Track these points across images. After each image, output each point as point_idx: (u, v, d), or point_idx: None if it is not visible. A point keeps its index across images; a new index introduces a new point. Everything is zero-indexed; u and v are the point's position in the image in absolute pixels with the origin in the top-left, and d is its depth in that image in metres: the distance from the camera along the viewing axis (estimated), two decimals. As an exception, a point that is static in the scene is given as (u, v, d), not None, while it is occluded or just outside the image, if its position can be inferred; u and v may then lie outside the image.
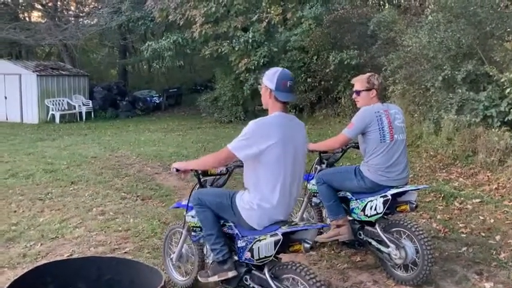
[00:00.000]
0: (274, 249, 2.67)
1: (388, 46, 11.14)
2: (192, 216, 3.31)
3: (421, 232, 3.47)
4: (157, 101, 20.94)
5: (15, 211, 5.83)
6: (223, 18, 14.56)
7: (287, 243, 2.72)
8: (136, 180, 7.36)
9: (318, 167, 4.19)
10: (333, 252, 4.27)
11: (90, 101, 18.25)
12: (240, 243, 2.88)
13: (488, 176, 6.36)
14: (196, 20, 14.16)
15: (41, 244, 4.69)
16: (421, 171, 7.10)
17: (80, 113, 17.55)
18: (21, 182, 7.31)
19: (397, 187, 3.56)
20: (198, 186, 3.34)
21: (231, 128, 13.96)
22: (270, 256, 2.71)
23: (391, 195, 3.50)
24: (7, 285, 2.41)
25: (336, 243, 4.21)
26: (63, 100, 17.55)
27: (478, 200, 5.59)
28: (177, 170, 3.12)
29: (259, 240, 2.74)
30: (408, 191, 3.57)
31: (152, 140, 11.91)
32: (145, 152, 9.98)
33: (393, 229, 3.63)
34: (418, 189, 3.75)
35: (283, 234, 2.66)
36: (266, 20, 14.01)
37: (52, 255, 4.40)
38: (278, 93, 2.79)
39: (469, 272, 3.80)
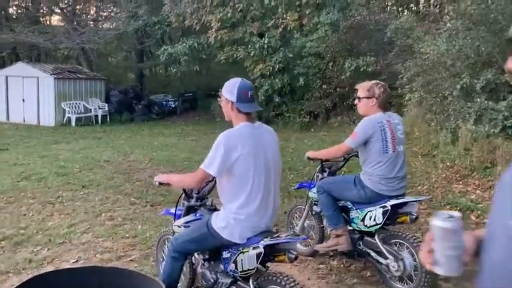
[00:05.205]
0: (257, 262, 2.67)
1: (405, 53, 10.98)
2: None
3: (419, 244, 3.38)
4: (173, 105, 20.99)
5: (24, 214, 5.83)
6: (239, 23, 14.57)
7: (271, 253, 2.72)
8: (146, 185, 7.31)
9: (320, 175, 4.13)
10: (342, 266, 4.14)
11: (106, 105, 18.33)
12: (225, 254, 2.88)
13: (507, 189, 6.13)
14: (212, 25, 14.18)
15: (48, 249, 4.65)
16: (437, 182, 6.91)
17: (96, 116, 17.66)
18: (33, 185, 7.33)
19: (396, 197, 3.51)
20: (184, 195, 3.43)
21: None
22: (253, 269, 2.70)
23: (391, 206, 3.46)
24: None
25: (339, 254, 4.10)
26: (79, 103, 17.69)
27: (496, 214, 5.37)
28: (160, 184, 3.14)
29: (243, 253, 2.73)
30: (408, 202, 3.51)
31: (166, 144, 11.90)
32: (158, 156, 9.96)
33: (393, 240, 3.57)
34: (419, 200, 3.71)
35: (266, 246, 2.64)
36: (282, 26, 13.95)
37: (58, 261, 4.36)
38: (240, 105, 2.75)
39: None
